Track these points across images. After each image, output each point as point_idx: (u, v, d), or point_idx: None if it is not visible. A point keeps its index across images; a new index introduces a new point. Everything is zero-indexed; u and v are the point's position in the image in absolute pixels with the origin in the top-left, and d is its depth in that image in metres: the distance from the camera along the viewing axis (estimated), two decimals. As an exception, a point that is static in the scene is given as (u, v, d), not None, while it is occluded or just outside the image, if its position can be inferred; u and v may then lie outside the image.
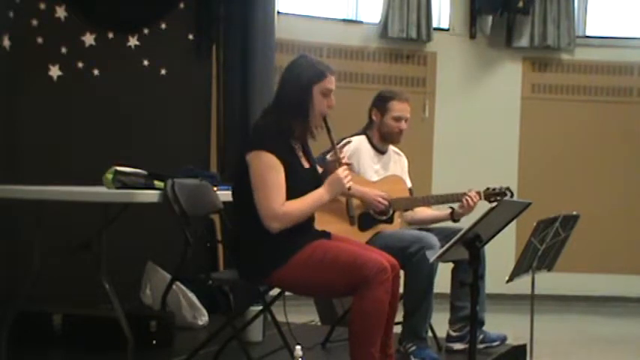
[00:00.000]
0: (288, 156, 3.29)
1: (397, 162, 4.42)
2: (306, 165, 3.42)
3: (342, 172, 3.30)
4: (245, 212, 3.28)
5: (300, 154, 3.41)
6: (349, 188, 3.34)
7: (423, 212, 4.40)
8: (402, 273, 3.94)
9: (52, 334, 4.30)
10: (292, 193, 3.24)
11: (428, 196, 4.38)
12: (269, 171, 3.21)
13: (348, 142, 4.22)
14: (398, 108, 4.23)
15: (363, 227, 4.10)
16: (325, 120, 3.35)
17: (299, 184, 3.27)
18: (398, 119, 4.23)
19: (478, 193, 4.19)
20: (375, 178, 4.23)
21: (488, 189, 4.24)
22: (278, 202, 3.19)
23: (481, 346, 4.21)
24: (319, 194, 3.29)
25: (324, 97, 3.31)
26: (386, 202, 4.10)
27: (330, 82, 3.33)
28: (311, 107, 3.29)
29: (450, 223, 4.33)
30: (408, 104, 4.28)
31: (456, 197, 4.21)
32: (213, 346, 3.84)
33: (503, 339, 4.37)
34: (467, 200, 4.15)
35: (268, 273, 3.25)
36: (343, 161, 3.35)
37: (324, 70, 3.33)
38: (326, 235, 3.43)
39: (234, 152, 3.44)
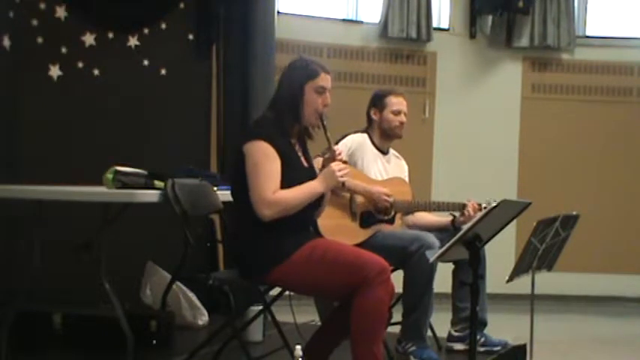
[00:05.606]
0: (285, 148, 3.30)
1: (398, 165, 4.45)
2: (305, 164, 3.42)
3: (335, 165, 3.31)
4: (244, 209, 3.27)
5: (300, 154, 3.42)
6: (343, 184, 3.35)
7: (424, 218, 4.41)
8: (401, 272, 3.97)
9: (52, 334, 4.31)
10: (289, 186, 3.24)
11: (429, 202, 4.40)
12: (264, 159, 3.22)
13: (351, 136, 4.24)
14: (395, 102, 4.33)
15: (364, 225, 4.11)
16: (322, 119, 3.36)
17: (297, 177, 3.28)
18: (397, 112, 4.32)
19: (479, 205, 4.21)
20: (378, 176, 4.24)
21: (489, 203, 4.25)
22: (270, 189, 3.20)
23: (482, 349, 4.21)
24: (312, 185, 3.30)
25: (318, 95, 3.34)
26: (391, 200, 4.11)
27: (324, 80, 3.36)
28: (304, 105, 3.32)
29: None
30: (403, 98, 4.38)
31: (457, 206, 4.24)
32: (213, 346, 3.84)
33: (505, 345, 4.36)
34: (468, 212, 4.18)
35: (268, 270, 3.24)
36: (338, 158, 3.35)
37: (317, 69, 3.37)
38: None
39: (234, 152, 3.41)
